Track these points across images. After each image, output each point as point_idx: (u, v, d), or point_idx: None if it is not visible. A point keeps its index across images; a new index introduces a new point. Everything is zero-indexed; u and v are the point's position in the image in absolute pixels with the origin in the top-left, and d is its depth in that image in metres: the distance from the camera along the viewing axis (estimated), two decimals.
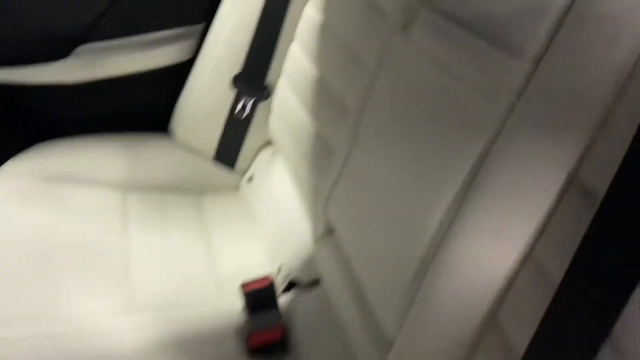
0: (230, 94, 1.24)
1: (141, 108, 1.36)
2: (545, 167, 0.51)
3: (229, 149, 1.29)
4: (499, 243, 0.54)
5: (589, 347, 0.43)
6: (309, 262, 0.95)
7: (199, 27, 1.33)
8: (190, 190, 1.27)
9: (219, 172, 1.31)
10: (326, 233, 0.91)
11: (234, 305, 0.98)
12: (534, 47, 0.51)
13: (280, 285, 1.00)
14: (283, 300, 0.97)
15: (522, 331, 0.50)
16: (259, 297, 0.94)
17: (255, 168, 1.28)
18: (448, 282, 0.58)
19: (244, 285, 0.95)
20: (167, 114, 1.35)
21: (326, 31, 1.04)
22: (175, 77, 1.33)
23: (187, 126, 1.30)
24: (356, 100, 0.87)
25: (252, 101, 1.23)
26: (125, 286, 0.98)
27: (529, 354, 0.48)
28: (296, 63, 1.14)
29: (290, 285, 1.00)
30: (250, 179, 1.27)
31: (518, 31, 0.52)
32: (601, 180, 0.48)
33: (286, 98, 1.16)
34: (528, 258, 0.53)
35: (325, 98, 1.01)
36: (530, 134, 0.51)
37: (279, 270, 1.02)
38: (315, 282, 0.95)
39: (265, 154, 1.27)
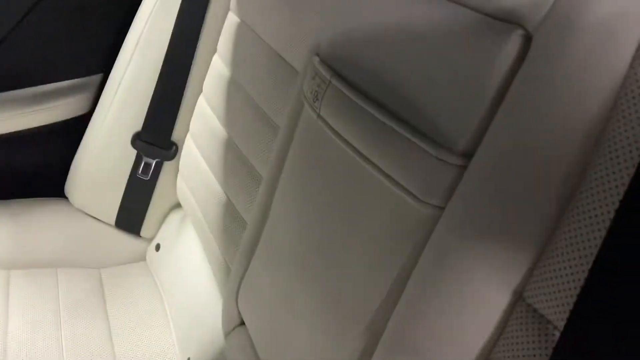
0: (131, 153, 1.11)
1: (30, 170, 1.20)
2: (485, 285, 0.41)
3: (132, 213, 1.15)
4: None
5: None
6: (221, 358, 0.82)
7: (96, 78, 1.19)
8: (89, 263, 1.12)
9: (122, 240, 1.16)
10: (238, 326, 0.78)
11: None
12: (463, 141, 0.41)
13: None
14: None
15: None
16: None
17: (163, 235, 1.14)
18: None
19: None
20: (60, 176, 1.19)
21: (234, 86, 0.93)
22: (69, 134, 1.18)
23: (84, 189, 1.15)
24: (267, 168, 0.76)
25: (155, 161, 1.10)
26: None
27: None
28: (203, 120, 1.02)
29: None
30: (157, 247, 1.13)
31: (444, 121, 0.43)
32: (552, 306, 0.39)
33: (193, 159, 1.03)
34: None
35: (234, 163, 0.90)
36: (465, 245, 0.41)
37: None
38: None
39: (174, 217, 1.14)
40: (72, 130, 1.19)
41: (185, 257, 1.06)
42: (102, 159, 1.12)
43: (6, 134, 1.15)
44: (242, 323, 0.78)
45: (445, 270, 0.43)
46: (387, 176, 0.47)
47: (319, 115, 0.57)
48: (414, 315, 0.45)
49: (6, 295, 0.98)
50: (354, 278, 0.51)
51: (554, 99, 0.38)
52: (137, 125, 1.09)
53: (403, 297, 0.47)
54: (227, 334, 0.79)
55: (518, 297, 0.41)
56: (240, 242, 0.78)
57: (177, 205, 1.15)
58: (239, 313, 0.77)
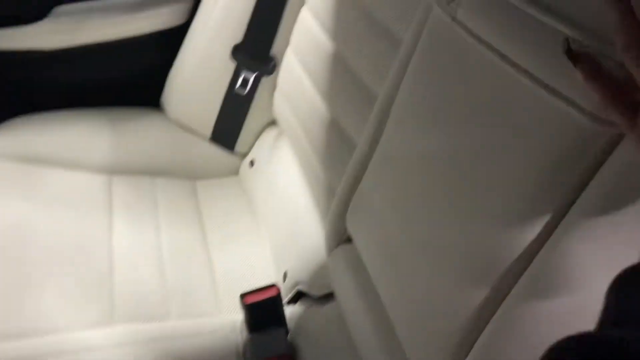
0: (229, 66, 1.09)
1: (128, 79, 1.20)
2: None
3: (228, 128, 1.14)
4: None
5: None
6: (321, 273, 0.82)
7: None
8: (184, 175, 1.13)
9: (216, 155, 1.16)
10: (343, 242, 0.77)
11: (233, 317, 0.85)
12: None
13: (286, 295, 0.87)
14: (290, 312, 0.84)
15: None
16: (263, 310, 0.81)
17: (258, 151, 1.13)
18: (530, 329, 0.45)
19: (244, 296, 0.82)
20: (158, 87, 1.19)
21: None
22: (165, 44, 1.17)
23: (180, 101, 1.15)
24: (383, 84, 0.72)
25: (254, 75, 1.08)
26: (107, 292, 0.85)
27: None
28: (306, 33, 0.98)
29: (298, 295, 0.87)
30: (252, 163, 1.13)
31: None
32: None
33: (294, 74, 1.00)
34: None
35: (341, 78, 0.86)
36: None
37: (285, 276, 0.89)
38: (328, 295, 0.82)
39: (269, 135, 1.13)
40: (169, 41, 1.17)
41: (281, 174, 1.05)
42: (200, 71, 1.11)
43: (104, 42, 1.15)
44: (347, 240, 0.77)
45: (617, 213, 0.39)
46: (545, 85, 0.42)
47: (454, 19, 0.52)
48: (561, 263, 0.41)
49: (109, 199, 1.01)
50: (494, 206, 0.47)
51: None
52: (237, 37, 1.06)
53: (557, 235, 0.42)
54: (330, 250, 0.78)
55: None
56: (350, 161, 0.76)
57: (273, 122, 1.13)
58: (345, 231, 0.75)
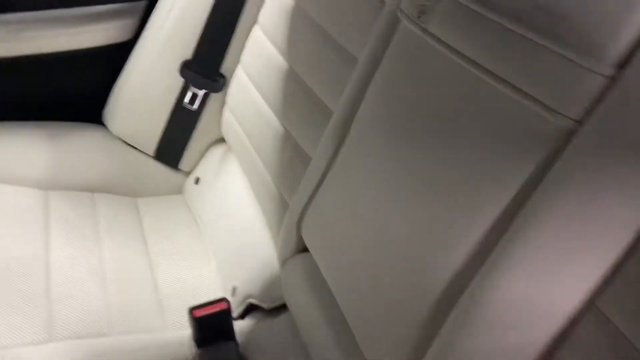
0: (177, 82, 1.08)
1: (70, 93, 1.17)
2: (620, 204, 0.40)
3: (173, 145, 1.13)
4: (559, 285, 0.43)
5: None
6: (273, 285, 0.81)
7: (142, 4, 1.16)
8: (124, 192, 1.10)
9: (159, 172, 1.14)
10: (297, 252, 0.77)
11: (179, 333, 0.83)
12: (616, 47, 0.40)
13: (236, 309, 0.86)
14: (240, 327, 0.83)
15: None
16: (212, 323, 0.79)
17: (203, 168, 1.12)
18: (488, 323, 0.46)
19: (193, 310, 0.80)
20: (101, 102, 1.16)
21: (298, 15, 0.90)
22: (109, 60, 1.15)
23: (124, 117, 1.13)
24: (340, 97, 0.74)
25: (203, 92, 1.07)
26: (45, 309, 0.81)
27: None
28: (258, 51, 1.00)
29: (247, 309, 0.86)
30: (197, 180, 1.12)
31: (592, 24, 0.41)
32: None
33: (244, 91, 1.01)
34: (591, 306, 0.43)
35: (294, 93, 0.87)
36: (604, 162, 0.40)
37: (234, 291, 0.88)
38: (279, 307, 0.82)
39: (216, 151, 1.12)
40: (113, 57, 1.16)
41: (227, 191, 1.04)
42: (147, 86, 1.10)
43: (47, 54, 1.12)
44: (301, 251, 0.77)
45: (571, 192, 0.42)
46: (514, 88, 0.45)
47: (425, 31, 0.55)
48: (533, 234, 0.44)
49: (46, 214, 0.97)
50: (459, 199, 0.50)
51: None
52: (187, 54, 1.06)
53: (521, 217, 0.45)
54: (283, 262, 0.78)
55: None
56: (305, 173, 0.77)
57: (218, 141, 1.13)
58: (299, 241, 0.75)
